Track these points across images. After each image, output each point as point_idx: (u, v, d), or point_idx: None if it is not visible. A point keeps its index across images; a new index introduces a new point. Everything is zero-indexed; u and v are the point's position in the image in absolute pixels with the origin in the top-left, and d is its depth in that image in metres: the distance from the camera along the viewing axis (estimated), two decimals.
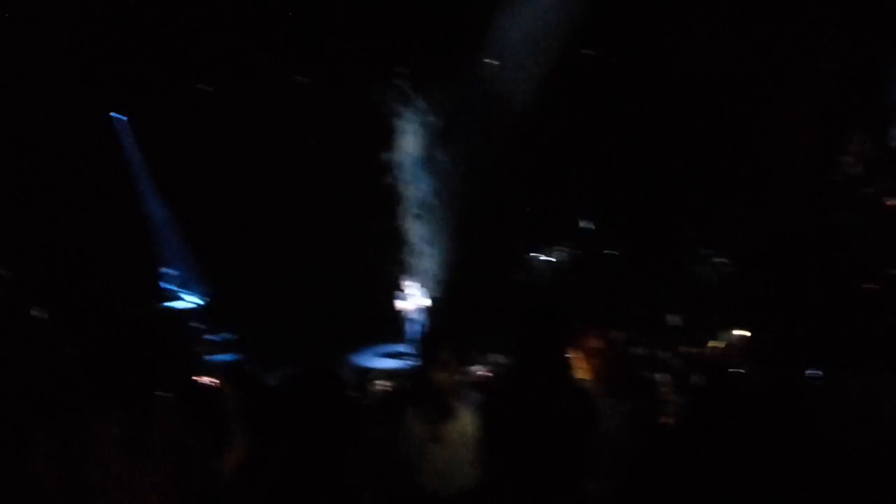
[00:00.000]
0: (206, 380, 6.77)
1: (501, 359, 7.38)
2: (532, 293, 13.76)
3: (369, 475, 3.43)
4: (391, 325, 12.23)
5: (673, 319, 10.01)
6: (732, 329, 8.10)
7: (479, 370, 7.58)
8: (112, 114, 13.84)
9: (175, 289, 13.35)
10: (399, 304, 12.37)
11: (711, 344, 7.66)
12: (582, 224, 14.15)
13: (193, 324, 12.87)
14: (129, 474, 2.30)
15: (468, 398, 3.93)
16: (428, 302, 12.57)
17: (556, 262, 14.17)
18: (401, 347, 12.35)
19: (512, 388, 3.55)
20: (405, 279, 12.71)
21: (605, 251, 13.54)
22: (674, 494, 2.99)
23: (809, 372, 4.83)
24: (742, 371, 5.04)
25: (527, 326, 3.40)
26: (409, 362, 11.08)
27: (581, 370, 3.95)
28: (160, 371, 2.59)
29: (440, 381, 3.75)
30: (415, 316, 12.46)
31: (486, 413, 3.53)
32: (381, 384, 8.71)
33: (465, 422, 3.77)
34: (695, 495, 2.90)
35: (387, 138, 14.18)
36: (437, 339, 3.92)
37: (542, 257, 14.34)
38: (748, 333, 7.88)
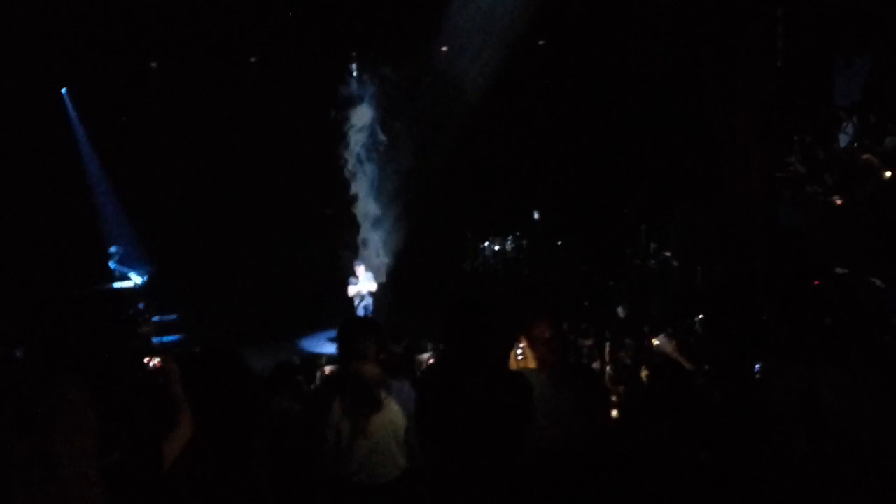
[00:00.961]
0: (152, 361, 6.70)
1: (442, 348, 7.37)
2: (479, 282, 13.82)
3: (276, 462, 3.38)
4: (342, 310, 12.17)
5: (620, 311, 10.11)
6: (678, 322, 8.21)
7: (427, 357, 7.59)
8: (58, 89, 13.58)
9: (121, 268, 13.13)
10: (351, 289, 12.33)
11: (656, 340, 7.74)
12: (532, 215, 14.24)
13: (139, 304, 12.68)
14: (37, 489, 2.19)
15: (395, 389, 3.90)
16: (376, 287, 12.55)
17: (506, 251, 14.24)
18: None
19: (436, 378, 3.56)
20: (357, 263, 12.66)
21: (554, 242, 13.64)
22: (615, 485, 3.02)
23: (753, 365, 4.92)
24: (686, 364, 5.11)
25: (452, 316, 3.40)
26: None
27: (528, 359, 3.97)
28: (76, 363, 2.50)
29: (365, 373, 3.70)
30: (366, 300, 12.43)
31: (411, 403, 3.53)
32: (328, 370, 8.68)
33: (392, 413, 3.75)
34: (636, 486, 2.93)
35: (339, 120, 14.11)
36: (361, 331, 3.85)
37: (492, 246, 14.40)
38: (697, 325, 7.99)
